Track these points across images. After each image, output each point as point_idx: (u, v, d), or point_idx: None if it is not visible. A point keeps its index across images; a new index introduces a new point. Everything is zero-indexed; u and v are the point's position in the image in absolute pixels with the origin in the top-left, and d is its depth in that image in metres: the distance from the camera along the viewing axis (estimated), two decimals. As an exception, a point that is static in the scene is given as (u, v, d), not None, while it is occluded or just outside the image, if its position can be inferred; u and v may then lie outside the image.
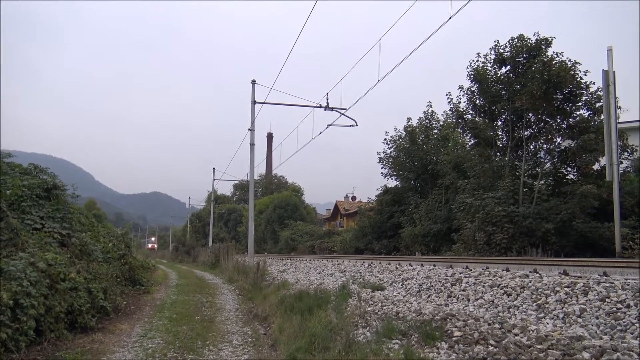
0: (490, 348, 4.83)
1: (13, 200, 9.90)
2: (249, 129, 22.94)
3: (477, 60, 20.13)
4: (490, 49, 19.84)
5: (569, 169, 19.66)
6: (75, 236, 10.53)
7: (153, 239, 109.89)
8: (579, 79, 17.63)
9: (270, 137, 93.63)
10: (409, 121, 29.58)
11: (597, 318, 5.38)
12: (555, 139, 19.15)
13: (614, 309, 5.39)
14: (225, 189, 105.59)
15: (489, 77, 19.94)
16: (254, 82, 22.47)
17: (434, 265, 10.72)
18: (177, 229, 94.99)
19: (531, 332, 5.21)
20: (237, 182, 63.18)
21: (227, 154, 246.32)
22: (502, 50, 19.51)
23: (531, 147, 19.72)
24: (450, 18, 11.02)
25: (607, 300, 5.61)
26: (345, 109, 21.37)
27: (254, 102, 22.51)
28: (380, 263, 13.44)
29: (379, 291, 9.35)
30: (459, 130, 23.30)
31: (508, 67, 19.66)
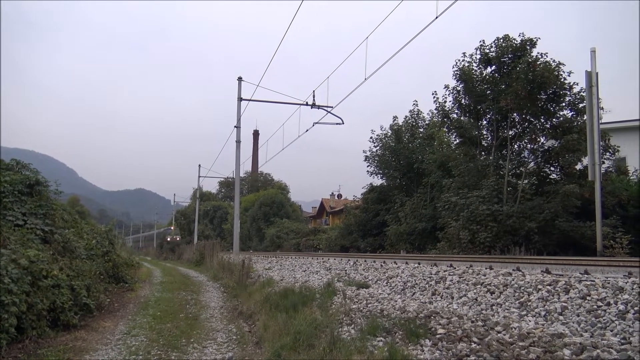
0: (474, 345, 4.88)
1: (-6, 196, 9.74)
2: (235, 126, 22.85)
3: (463, 60, 20.21)
4: (476, 49, 19.93)
5: (552, 168, 19.84)
6: (58, 233, 10.41)
7: (172, 228, 67.52)
8: (562, 80, 17.80)
9: (256, 134, 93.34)
10: (395, 120, 29.68)
11: (578, 316, 5.47)
12: (539, 139, 19.32)
13: (595, 306, 5.47)
14: (211, 186, 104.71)
15: (475, 76, 20.03)
16: (240, 79, 22.38)
17: (419, 264, 10.78)
18: (161, 226, 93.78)
19: (513, 329, 5.28)
20: (222, 179, 62.98)
21: (212, 151, 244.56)
22: (487, 50, 19.61)
23: (515, 146, 19.89)
24: (436, 17, 11.06)
25: (587, 298, 5.69)
26: (332, 107, 21.40)
27: (240, 100, 22.43)
28: (365, 261, 13.48)
29: (364, 289, 9.39)
30: (445, 129, 23.39)
31: (493, 67, 19.76)
